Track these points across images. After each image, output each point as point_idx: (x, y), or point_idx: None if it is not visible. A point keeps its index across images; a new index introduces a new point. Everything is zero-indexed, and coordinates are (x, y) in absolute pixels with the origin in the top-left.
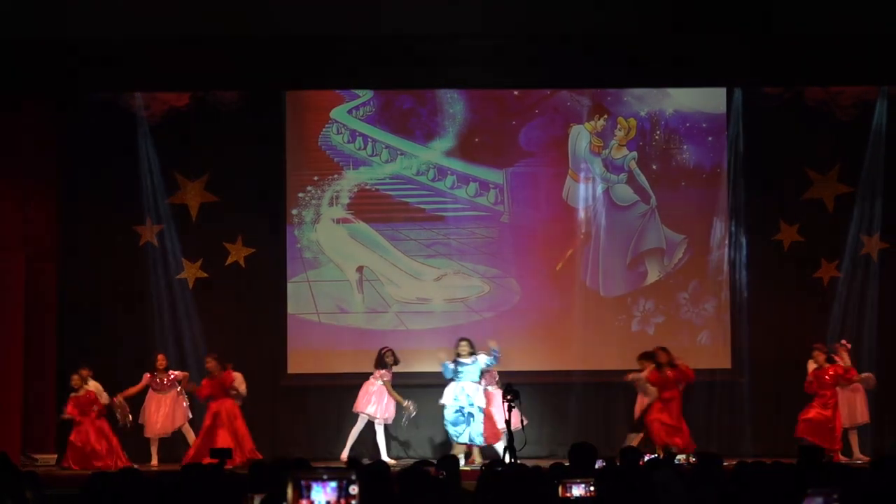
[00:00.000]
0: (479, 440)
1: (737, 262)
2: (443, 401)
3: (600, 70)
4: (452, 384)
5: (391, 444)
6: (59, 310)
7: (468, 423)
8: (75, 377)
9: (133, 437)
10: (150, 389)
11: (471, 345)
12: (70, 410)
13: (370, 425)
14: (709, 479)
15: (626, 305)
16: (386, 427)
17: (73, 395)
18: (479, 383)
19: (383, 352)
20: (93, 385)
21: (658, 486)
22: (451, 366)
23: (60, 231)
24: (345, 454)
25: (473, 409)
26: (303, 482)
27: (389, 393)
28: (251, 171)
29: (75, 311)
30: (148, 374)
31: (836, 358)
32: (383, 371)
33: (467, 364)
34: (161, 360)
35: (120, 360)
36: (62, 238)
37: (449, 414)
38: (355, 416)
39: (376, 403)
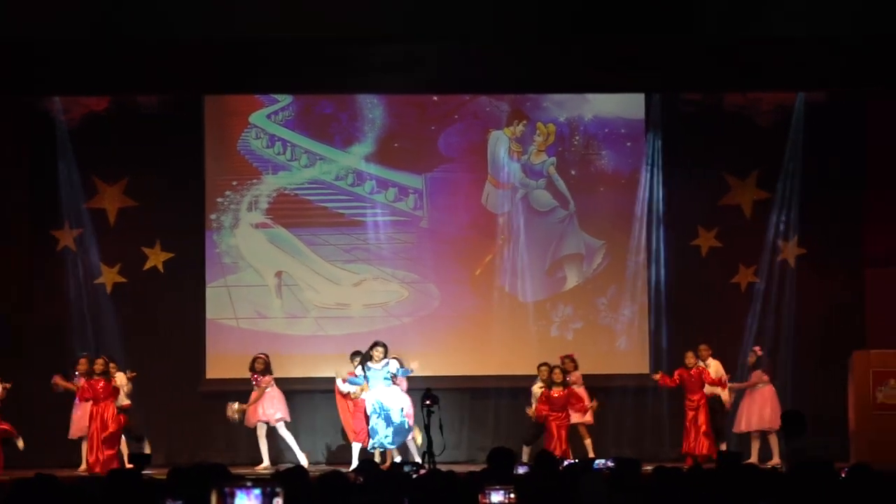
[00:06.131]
0: (393, 444)
1: (655, 268)
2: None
3: (519, 75)
4: (368, 394)
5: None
6: None
7: (388, 427)
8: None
9: (63, 443)
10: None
11: (385, 350)
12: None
13: (273, 431)
14: (626, 483)
15: (545, 311)
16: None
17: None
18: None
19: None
20: None
21: (582, 491)
22: (360, 372)
23: None
24: (265, 464)
25: (387, 413)
26: (227, 489)
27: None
28: (170, 175)
29: None
30: (83, 380)
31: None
32: (262, 377)
33: (377, 369)
34: (83, 363)
35: (35, 365)
36: None
37: (371, 421)
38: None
39: (261, 408)
